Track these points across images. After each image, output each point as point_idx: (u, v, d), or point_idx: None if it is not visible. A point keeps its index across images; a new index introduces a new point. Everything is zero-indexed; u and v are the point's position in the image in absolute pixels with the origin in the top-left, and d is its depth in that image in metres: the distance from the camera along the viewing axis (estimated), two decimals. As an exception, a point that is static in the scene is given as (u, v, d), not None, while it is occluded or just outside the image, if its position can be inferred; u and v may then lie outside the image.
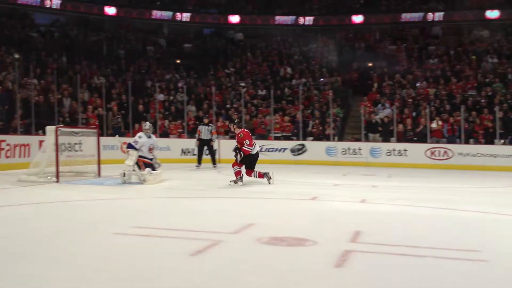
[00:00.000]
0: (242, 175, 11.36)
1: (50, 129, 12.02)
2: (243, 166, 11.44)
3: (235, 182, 11.21)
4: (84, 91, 21.13)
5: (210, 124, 17.44)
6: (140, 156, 11.63)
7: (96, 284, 3.96)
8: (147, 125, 12.26)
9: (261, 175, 11.50)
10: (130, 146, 11.75)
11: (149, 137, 12.00)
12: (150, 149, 11.90)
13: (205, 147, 16.98)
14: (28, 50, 23.53)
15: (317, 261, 4.71)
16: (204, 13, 33.06)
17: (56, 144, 11.56)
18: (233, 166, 11.42)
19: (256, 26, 32.95)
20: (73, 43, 28.31)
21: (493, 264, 4.81)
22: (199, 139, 16.88)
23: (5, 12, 27.77)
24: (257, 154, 11.71)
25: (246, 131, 11.97)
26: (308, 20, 32.47)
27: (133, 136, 18.34)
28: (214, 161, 17.14)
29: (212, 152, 17.14)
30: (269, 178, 11.47)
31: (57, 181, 11.23)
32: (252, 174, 11.52)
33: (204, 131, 16.81)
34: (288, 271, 4.41)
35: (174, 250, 5.02)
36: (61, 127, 12.85)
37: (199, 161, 16.83)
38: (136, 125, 19.65)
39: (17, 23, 27.22)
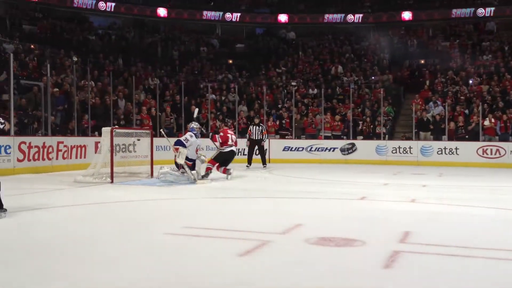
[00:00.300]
0: (211, 171, 12.47)
1: (106, 130, 12.13)
2: (217, 164, 12.53)
3: (202, 177, 12.07)
4: (139, 92, 21.59)
5: (261, 125, 17.55)
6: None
7: (148, 284, 4.02)
8: (196, 125, 12.46)
9: (224, 171, 12.59)
10: (180, 143, 11.73)
11: (198, 137, 12.20)
12: (197, 150, 12.08)
13: (256, 147, 17.10)
14: (86, 53, 24.25)
15: (365, 262, 4.70)
16: (255, 13, 33.25)
17: (111, 145, 11.71)
18: (208, 161, 12.47)
19: (307, 25, 32.93)
20: (129, 45, 29.02)
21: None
22: (250, 139, 17.01)
23: (64, 16, 28.76)
24: (231, 153, 12.70)
25: (226, 131, 13.11)
26: (358, 17, 32.23)
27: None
28: (264, 161, 17.24)
29: (262, 152, 17.24)
30: (228, 174, 12.49)
31: (112, 182, 11.39)
32: (219, 170, 12.57)
33: (255, 132, 16.93)
34: (336, 271, 4.40)
35: (223, 250, 5.08)
36: (116, 128, 13.00)
37: (249, 161, 16.94)
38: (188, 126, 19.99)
39: (76, 27, 28.11)
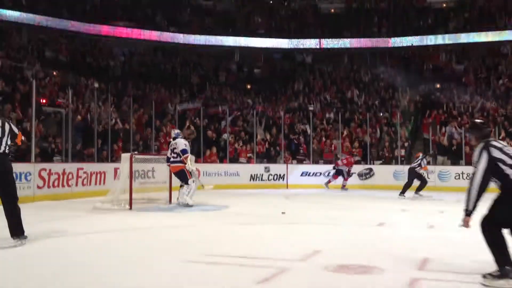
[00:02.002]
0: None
1: (125, 156, 12.21)
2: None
3: None
4: (160, 118, 21.83)
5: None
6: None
7: None
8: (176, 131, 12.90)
9: None
10: (186, 151, 12.16)
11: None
12: None
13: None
14: (107, 79, 24.65)
15: (385, 290, 4.72)
16: (272, 38, 33.57)
17: (131, 171, 11.76)
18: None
19: (324, 50, 33.15)
20: (149, 70, 29.46)
21: None
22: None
23: (86, 43, 29.33)
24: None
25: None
26: (374, 41, 32.38)
27: (204, 161, 18.95)
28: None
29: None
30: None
31: (130, 208, 11.39)
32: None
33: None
34: None
35: (242, 279, 5.09)
36: (135, 154, 13.09)
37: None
38: (208, 151, 20.19)
39: (98, 53, 28.65)
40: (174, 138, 12.55)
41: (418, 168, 15.81)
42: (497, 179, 5.14)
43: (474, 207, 5.13)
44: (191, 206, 11.86)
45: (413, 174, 15.82)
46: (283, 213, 10.45)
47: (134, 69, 29.12)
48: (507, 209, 5.16)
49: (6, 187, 6.74)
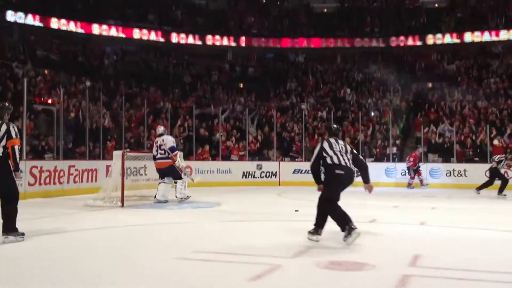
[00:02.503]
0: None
1: (117, 154, 12.17)
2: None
3: None
4: (153, 116, 21.81)
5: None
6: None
7: None
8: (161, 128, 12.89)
9: None
10: (174, 148, 12.31)
11: None
12: None
13: None
14: (99, 78, 24.56)
15: (375, 286, 4.73)
16: (264, 37, 33.53)
17: (123, 169, 11.71)
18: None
19: (316, 49, 33.18)
20: (141, 70, 29.38)
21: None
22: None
23: (77, 42, 29.20)
24: None
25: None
26: (366, 41, 32.45)
27: (196, 159, 18.96)
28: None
29: None
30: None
31: (122, 206, 11.37)
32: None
33: None
34: None
35: (234, 276, 5.09)
36: (127, 152, 12.95)
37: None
38: (200, 149, 20.18)
39: (89, 52, 28.53)
40: (161, 135, 12.56)
41: (502, 165, 15.60)
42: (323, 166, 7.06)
43: (317, 180, 7.26)
44: (190, 197, 12.16)
45: (495, 174, 15.61)
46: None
47: (126, 68, 29.02)
48: (328, 187, 7.02)
49: (5, 188, 6.70)
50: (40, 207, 11.47)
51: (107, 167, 14.33)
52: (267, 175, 18.72)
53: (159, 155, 12.34)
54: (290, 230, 8.40)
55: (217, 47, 32.83)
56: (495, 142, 19.16)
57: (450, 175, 18.92)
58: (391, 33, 32.36)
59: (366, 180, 7.20)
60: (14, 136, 6.83)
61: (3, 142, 6.76)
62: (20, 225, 6.90)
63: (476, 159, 19.43)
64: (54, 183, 14.22)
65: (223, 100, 27.26)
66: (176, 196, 12.33)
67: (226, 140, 21.54)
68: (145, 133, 19.61)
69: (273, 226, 8.92)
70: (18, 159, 6.77)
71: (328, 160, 6.98)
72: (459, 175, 18.73)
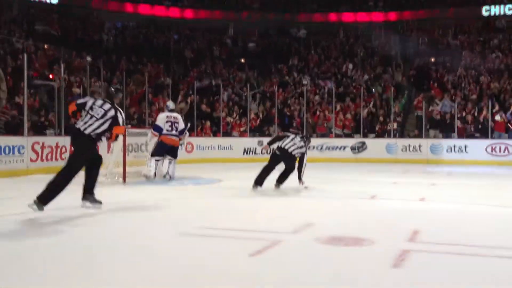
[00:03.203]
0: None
1: (118, 129, 12.23)
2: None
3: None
4: (152, 91, 21.73)
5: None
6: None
7: (159, 285, 4.05)
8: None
9: None
10: (185, 131, 12.43)
11: None
12: None
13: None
14: (99, 53, 24.44)
15: (374, 261, 4.74)
16: (267, 12, 33.25)
17: (124, 145, 11.70)
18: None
19: (318, 23, 32.92)
20: (142, 45, 29.22)
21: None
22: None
23: (78, 16, 29.00)
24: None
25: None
26: (369, 15, 32.23)
27: (197, 135, 18.97)
28: None
29: None
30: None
31: (124, 182, 11.39)
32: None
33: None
34: (346, 271, 4.44)
35: (234, 251, 5.11)
36: (129, 128, 12.93)
37: None
38: (201, 125, 20.18)
39: (90, 27, 28.34)
40: (172, 111, 12.45)
41: None
42: None
43: None
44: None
45: None
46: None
47: (126, 43, 28.87)
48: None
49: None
50: (43, 183, 11.25)
51: (109, 143, 14.33)
52: (268, 152, 18.62)
53: (174, 132, 12.15)
54: (291, 206, 8.46)
55: (218, 21, 32.58)
56: (497, 117, 19.13)
57: (451, 151, 18.93)
58: (394, 7, 32.11)
59: None
60: (121, 123, 6.77)
61: (105, 126, 6.74)
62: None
63: (477, 135, 19.41)
64: (56, 159, 14.20)
65: (224, 76, 27.17)
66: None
67: (227, 116, 21.53)
68: (146, 109, 19.57)
69: (273, 202, 8.95)
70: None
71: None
72: (459, 151, 18.76)
